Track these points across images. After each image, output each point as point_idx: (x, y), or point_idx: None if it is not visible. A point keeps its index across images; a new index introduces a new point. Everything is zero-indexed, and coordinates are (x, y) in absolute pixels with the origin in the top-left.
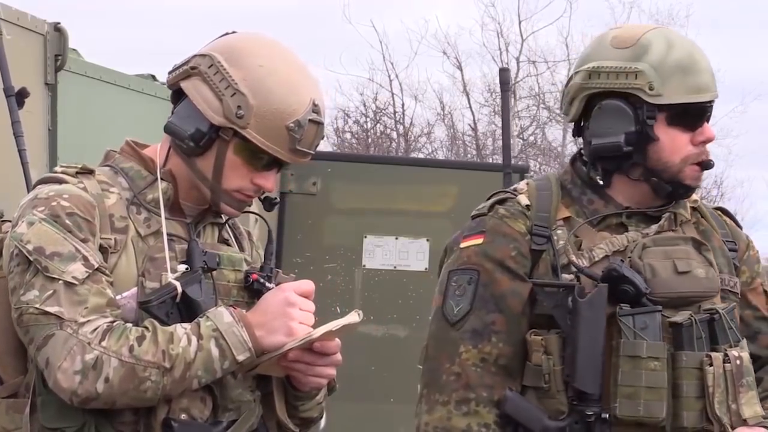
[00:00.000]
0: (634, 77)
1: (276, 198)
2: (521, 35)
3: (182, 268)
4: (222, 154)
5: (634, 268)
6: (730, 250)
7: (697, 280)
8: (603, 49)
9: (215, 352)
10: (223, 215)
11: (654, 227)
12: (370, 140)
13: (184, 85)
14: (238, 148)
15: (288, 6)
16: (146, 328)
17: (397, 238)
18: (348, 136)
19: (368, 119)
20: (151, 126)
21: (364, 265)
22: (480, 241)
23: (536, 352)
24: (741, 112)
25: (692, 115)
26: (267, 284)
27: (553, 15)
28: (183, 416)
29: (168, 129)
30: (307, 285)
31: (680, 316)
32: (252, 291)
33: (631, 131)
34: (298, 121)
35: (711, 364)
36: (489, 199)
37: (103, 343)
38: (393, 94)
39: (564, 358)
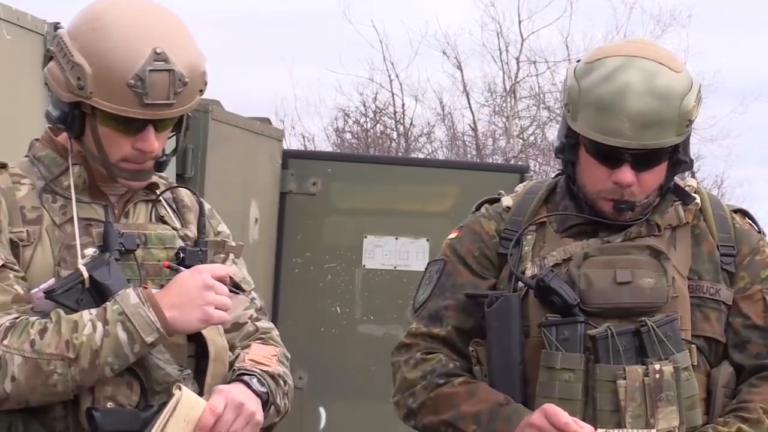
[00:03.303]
0: (566, 92)
1: (163, 157)
2: (521, 35)
3: (91, 252)
4: (94, 128)
5: (570, 278)
6: (726, 255)
7: (639, 291)
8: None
9: (123, 336)
10: (157, 190)
11: (619, 235)
12: (370, 140)
13: (46, 69)
14: (102, 119)
15: (288, 6)
16: (50, 319)
17: (397, 238)
18: (348, 136)
19: (368, 119)
20: None
21: (364, 265)
22: (455, 235)
23: (473, 363)
24: (741, 113)
25: (605, 153)
26: (180, 268)
27: (553, 15)
28: (109, 404)
29: (46, 116)
30: (222, 269)
31: (598, 329)
32: (187, 268)
33: (563, 142)
34: (137, 75)
35: (624, 378)
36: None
37: (5, 342)
38: (393, 94)
39: None
